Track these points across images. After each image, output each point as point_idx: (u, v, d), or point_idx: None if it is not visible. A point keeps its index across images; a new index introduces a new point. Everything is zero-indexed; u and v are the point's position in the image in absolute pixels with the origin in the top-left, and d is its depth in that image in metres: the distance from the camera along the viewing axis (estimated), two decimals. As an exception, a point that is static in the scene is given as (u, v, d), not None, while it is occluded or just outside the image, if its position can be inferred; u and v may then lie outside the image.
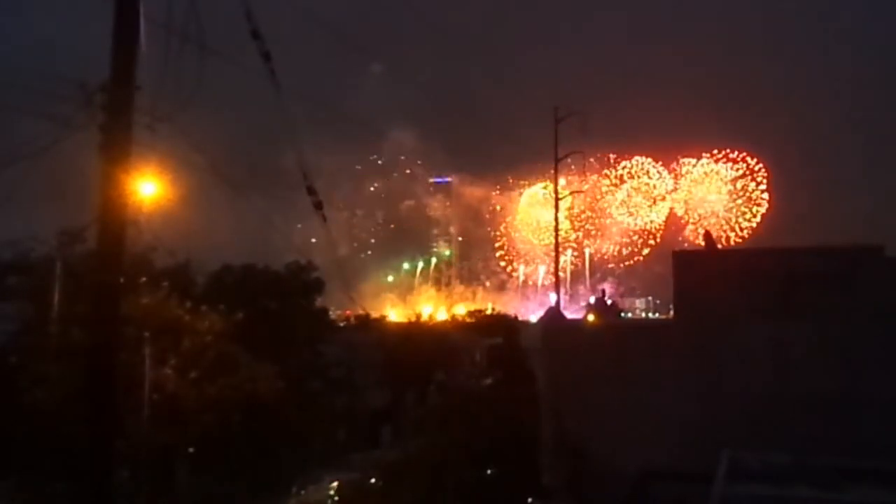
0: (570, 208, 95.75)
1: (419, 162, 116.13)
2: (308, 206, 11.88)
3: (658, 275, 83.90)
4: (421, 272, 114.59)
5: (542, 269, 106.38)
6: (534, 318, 67.32)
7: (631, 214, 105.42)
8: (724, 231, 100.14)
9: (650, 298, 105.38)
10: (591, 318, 56.80)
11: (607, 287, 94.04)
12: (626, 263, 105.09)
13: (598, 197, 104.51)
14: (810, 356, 15.21)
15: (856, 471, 10.62)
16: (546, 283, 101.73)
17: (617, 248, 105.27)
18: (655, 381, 16.05)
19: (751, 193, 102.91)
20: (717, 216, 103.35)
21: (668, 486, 14.64)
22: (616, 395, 16.32)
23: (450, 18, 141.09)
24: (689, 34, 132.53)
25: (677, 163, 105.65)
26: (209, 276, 23.92)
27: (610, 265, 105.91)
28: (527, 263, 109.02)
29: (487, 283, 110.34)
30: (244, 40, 10.15)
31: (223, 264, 26.01)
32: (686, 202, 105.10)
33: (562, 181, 55.11)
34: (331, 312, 35.36)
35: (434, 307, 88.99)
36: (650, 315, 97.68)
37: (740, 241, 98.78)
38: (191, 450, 16.89)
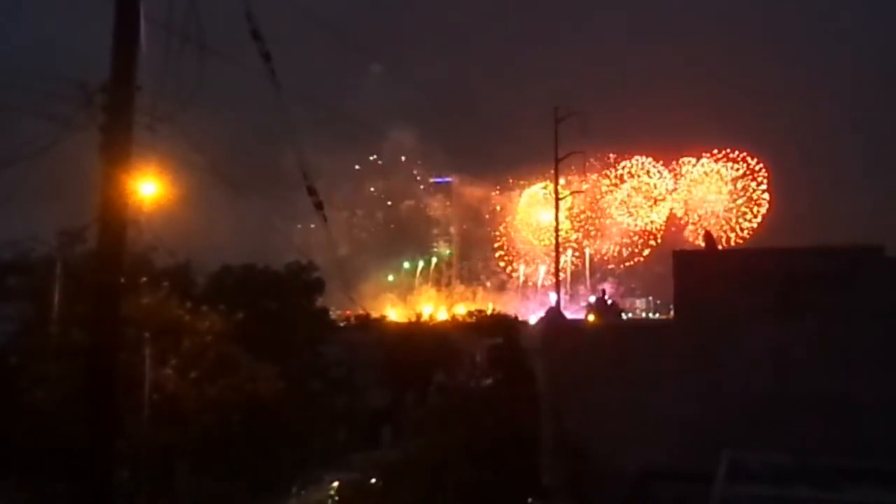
0: (570, 208, 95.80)
1: (419, 162, 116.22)
2: (308, 206, 11.90)
3: (658, 275, 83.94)
4: (421, 272, 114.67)
5: (542, 269, 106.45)
6: (534, 319, 67.33)
7: (631, 215, 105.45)
8: (725, 231, 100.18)
9: (650, 298, 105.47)
10: (591, 318, 56.86)
11: (607, 287, 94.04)
12: (627, 264, 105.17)
13: (598, 197, 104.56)
14: (810, 356, 15.20)
15: (856, 471, 10.61)
16: (546, 283, 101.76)
17: (617, 248, 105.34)
18: (655, 381, 16.04)
19: (751, 193, 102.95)
20: (718, 216, 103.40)
21: (668, 486, 14.63)
22: (616, 395, 16.31)
23: (450, 18, 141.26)
24: (689, 34, 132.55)
25: (677, 162, 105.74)
26: (209, 277, 23.94)
27: (610, 266, 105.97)
28: (527, 264, 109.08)
29: (488, 284, 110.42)
30: (244, 40, 10.16)
31: (223, 264, 26.04)
32: (686, 202, 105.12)
33: (562, 181, 55.04)
34: (331, 312, 35.38)
35: (434, 307, 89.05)
36: (650, 315, 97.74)
37: (741, 241, 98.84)
38: (191, 449, 16.89)
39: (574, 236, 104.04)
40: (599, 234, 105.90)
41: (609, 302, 65.55)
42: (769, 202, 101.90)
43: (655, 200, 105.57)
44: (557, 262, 55.25)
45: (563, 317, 37.79)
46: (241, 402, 16.72)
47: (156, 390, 14.68)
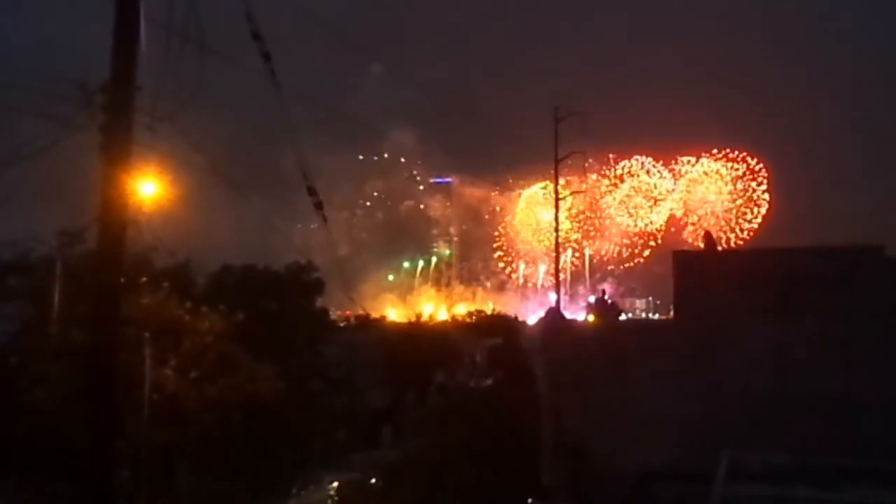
0: (570, 209, 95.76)
1: (419, 162, 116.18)
2: (308, 206, 11.91)
3: (658, 275, 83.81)
4: (421, 272, 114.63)
5: (541, 269, 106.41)
6: (533, 319, 67.36)
7: (630, 215, 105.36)
8: (724, 232, 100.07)
9: (650, 299, 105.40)
10: (591, 318, 56.89)
11: (607, 287, 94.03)
12: (627, 265, 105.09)
13: (598, 197, 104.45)
14: (810, 356, 15.22)
15: (856, 471, 10.62)
16: (546, 284, 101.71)
17: (616, 249, 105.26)
18: (655, 381, 16.06)
19: (751, 194, 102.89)
20: (717, 217, 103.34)
21: (668, 486, 14.65)
22: (616, 396, 16.33)
23: (450, 18, 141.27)
24: (689, 34, 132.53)
25: (676, 162, 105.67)
26: (209, 277, 23.90)
27: (610, 267, 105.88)
28: (527, 264, 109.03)
29: (487, 284, 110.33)
30: (244, 40, 10.17)
31: (223, 265, 25.98)
32: (685, 203, 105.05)
33: (561, 181, 55.04)
34: (331, 313, 35.36)
35: (434, 307, 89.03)
36: (650, 315, 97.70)
37: (741, 242, 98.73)
38: (191, 449, 16.88)
39: (574, 236, 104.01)
40: (599, 234, 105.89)
41: (609, 302, 65.68)
42: (769, 202, 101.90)
43: (655, 200, 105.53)
44: (557, 262, 55.26)
45: (562, 317, 37.82)
46: (241, 402, 16.70)
47: (156, 390, 14.66)
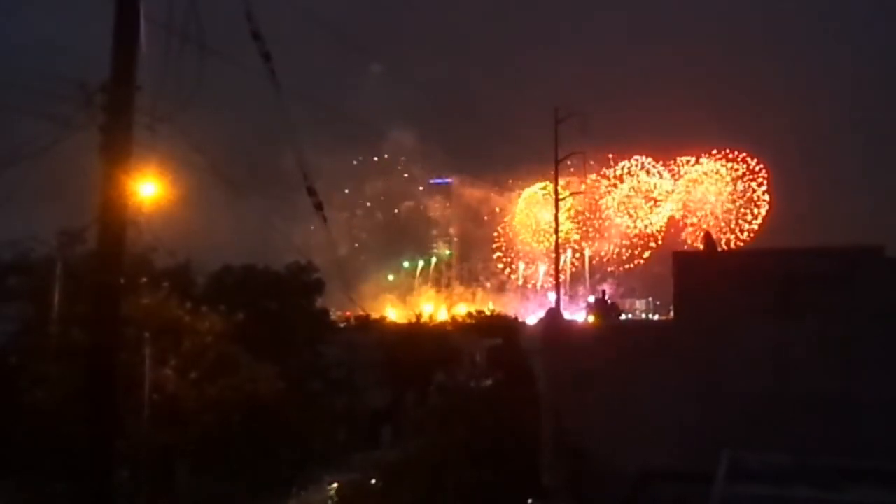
0: (570, 209, 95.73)
1: (419, 163, 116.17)
2: (308, 206, 11.91)
3: (658, 276, 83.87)
4: (421, 272, 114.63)
5: (541, 270, 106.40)
6: (533, 319, 67.37)
7: (630, 216, 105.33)
8: (724, 233, 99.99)
9: (650, 299, 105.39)
10: (591, 318, 56.89)
11: (607, 288, 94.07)
12: (627, 266, 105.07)
13: (597, 198, 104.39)
14: (810, 356, 15.22)
15: (856, 471, 10.62)
16: (546, 285, 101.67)
17: (616, 249, 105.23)
18: (655, 382, 16.06)
19: (751, 194, 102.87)
20: (717, 217, 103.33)
21: (668, 486, 14.64)
22: (616, 396, 16.33)
23: (450, 18, 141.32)
24: (689, 34, 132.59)
25: (675, 162, 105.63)
26: (209, 277, 23.91)
27: (609, 268, 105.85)
28: (526, 265, 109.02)
29: (487, 284, 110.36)
30: (244, 40, 10.17)
31: (223, 265, 26.00)
32: (685, 204, 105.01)
33: (561, 182, 55.03)
34: (331, 313, 35.37)
35: (434, 307, 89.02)
36: (650, 316, 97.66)
37: (741, 243, 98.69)
38: (191, 449, 16.89)
39: (574, 237, 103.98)
40: (598, 235, 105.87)
41: (609, 303, 65.72)
42: (769, 203, 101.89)
43: (655, 201, 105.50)
44: (557, 262, 55.24)
45: (562, 318, 37.83)
46: (241, 402, 16.71)
47: (156, 390, 14.67)
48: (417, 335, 41.51)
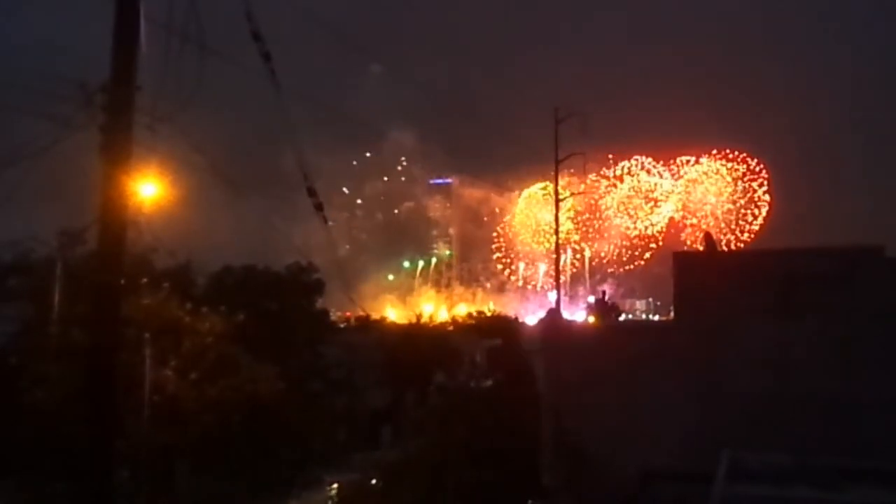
0: (570, 209, 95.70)
1: (419, 163, 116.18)
2: (308, 206, 11.92)
3: (658, 276, 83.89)
4: (421, 272, 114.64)
5: (541, 270, 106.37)
6: (533, 319, 67.38)
7: (630, 217, 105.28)
8: (725, 234, 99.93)
9: (650, 300, 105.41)
10: (591, 318, 56.94)
11: (607, 288, 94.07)
12: (627, 268, 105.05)
13: (596, 198, 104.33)
14: (810, 356, 15.21)
15: (856, 471, 10.61)
16: (546, 287, 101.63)
17: (616, 250, 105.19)
18: (656, 382, 16.05)
19: (752, 195, 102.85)
20: (717, 218, 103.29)
21: (668, 486, 14.63)
22: (616, 396, 16.32)
23: (450, 18, 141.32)
24: (689, 34, 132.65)
25: (674, 161, 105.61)
26: (210, 277, 23.91)
27: (609, 270, 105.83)
28: (526, 265, 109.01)
29: (487, 285, 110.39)
30: (244, 40, 10.18)
31: (224, 265, 26.00)
32: (685, 205, 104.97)
33: (561, 182, 55.04)
34: (331, 314, 35.38)
35: (434, 308, 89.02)
36: (650, 316, 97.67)
37: (741, 245, 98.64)
38: (191, 449, 16.89)
39: (574, 237, 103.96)
40: (598, 235, 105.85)
41: (609, 303, 65.78)
42: (769, 203, 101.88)
43: (656, 201, 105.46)
44: (557, 263, 55.26)
45: (562, 318, 37.84)
46: (241, 402, 16.70)
47: (156, 391, 14.66)
48: (417, 335, 41.52)
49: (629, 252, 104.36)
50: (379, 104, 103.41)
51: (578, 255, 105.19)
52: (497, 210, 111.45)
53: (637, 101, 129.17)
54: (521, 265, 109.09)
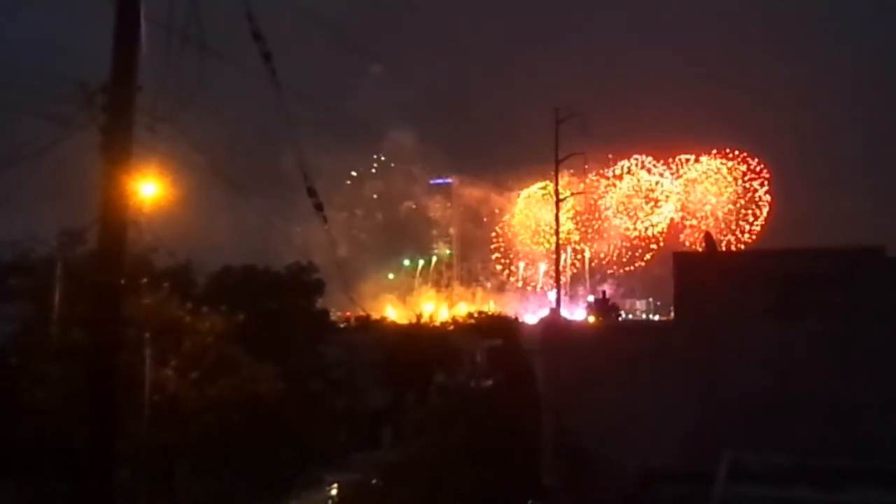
0: (570, 209, 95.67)
1: (419, 163, 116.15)
2: (308, 206, 11.91)
3: (658, 277, 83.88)
4: (420, 272, 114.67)
5: (541, 270, 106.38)
6: (533, 319, 67.41)
7: (630, 217, 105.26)
8: (725, 235, 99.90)
9: (651, 300, 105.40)
10: (591, 318, 56.95)
11: (607, 288, 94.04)
12: (627, 269, 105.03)
13: (596, 198, 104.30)
14: (810, 356, 15.22)
15: (856, 471, 10.62)
16: (546, 287, 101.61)
17: (616, 251, 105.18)
18: (656, 382, 16.06)
19: (753, 195, 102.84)
20: (718, 219, 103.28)
21: (668, 487, 14.63)
22: (616, 396, 16.33)
23: (450, 18, 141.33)
24: (689, 34, 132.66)
25: (674, 161, 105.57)
26: (210, 277, 23.91)
27: (609, 271, 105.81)
28: (526, 265, 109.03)
29: (488, 284, 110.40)
30: (245, 41, 10.17)
31: (224, 265, 26.00)
32: (684, 205, 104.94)
33: (561, 182, 55.04)
34: (331, 314, 35.39)
35: (435, 307, 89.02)
36: (651, 316, 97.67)
37: (743, 245, 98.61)
38: (191, 449, 16.88)
39: (575, 237, 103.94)
40: (598, 236, 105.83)
41: (609, 303, 65.81)
42: (769, 203, 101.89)
43: (656, 201, 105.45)
44: (558, 263, 55.21)
45: (563, 319, 37.88)
46: (241, 402, 16.70)
47: (156, 390, 14.66)
48: (417, 335, 41.50)
49: (629, 253, 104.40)
50: (379, 104, 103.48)
51: (579, 256, 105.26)
52: (497, 210, 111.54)
53: (637, 100, 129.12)
54: (521, 265, 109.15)
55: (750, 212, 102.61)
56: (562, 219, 56.78)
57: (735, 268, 17.22)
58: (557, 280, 55.27)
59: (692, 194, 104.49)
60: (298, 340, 24.90)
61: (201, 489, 17.12)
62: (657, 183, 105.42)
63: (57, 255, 15.21)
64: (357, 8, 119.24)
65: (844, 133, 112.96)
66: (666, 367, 16.09)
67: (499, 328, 45.89)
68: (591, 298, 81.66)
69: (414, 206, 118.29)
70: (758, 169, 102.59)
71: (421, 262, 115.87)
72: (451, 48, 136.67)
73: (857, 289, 15.28)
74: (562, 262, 64.44)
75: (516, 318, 63.71)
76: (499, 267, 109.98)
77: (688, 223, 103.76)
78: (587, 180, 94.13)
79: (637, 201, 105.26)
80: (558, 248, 54.22)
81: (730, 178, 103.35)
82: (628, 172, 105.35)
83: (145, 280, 16.12)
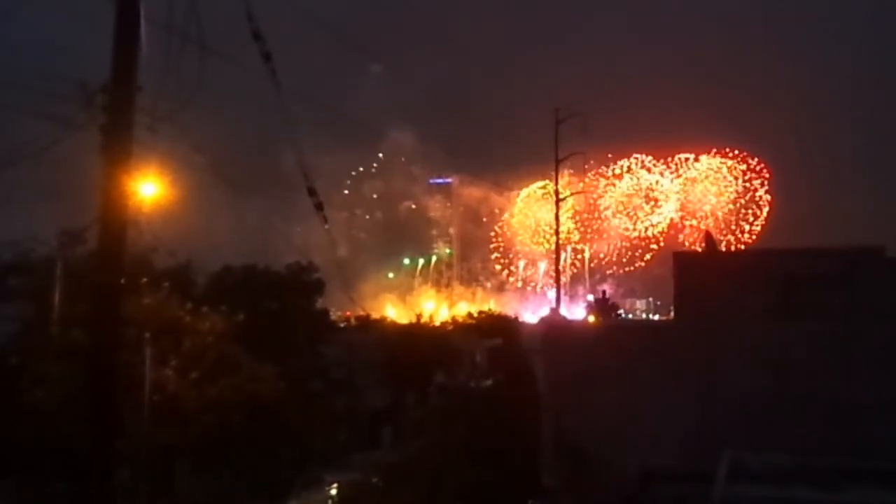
0: (570, 209, 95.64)
1: (419, 163, 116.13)
2: (308, 206, 11.91)
3: (659, 277, 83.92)
4: (420, 271, 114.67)
5: (541, 269, 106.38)
6: (533, 319, 67.38)
7: (630, 217, 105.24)
8: (725, 235, 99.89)
9: (651, 300, 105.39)
10: (591, 318, 56.90)
11: (607, 288, 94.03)
12: (627, 268, 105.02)
13: (595, 198, 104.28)
14: (810, 356, 15.22)
15: (856, 471, 10.62)
16: (546, 287, 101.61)
17: (616, 251, 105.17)
18: (656, 382, 16.06)
19: (753, 194, 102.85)
20: (718, 218, 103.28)
21: (668, 486, 14.64)
22: (616, 396, 16.33)
23: (450, 18, 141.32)
24: (689, 34, 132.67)
25: (674, 161, 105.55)
26: (210, 277, 23.89)
27: (609, 271, 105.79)
28: (526, 265, 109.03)
29: (487, 284, 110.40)
30: (245, 41, 10.17)
31: (224, 265, 25.98)
32: (683, 205, 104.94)
33: (561, 182, 55.02)
34: (331, 313, 35.36)
35: (435, 306, 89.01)
36: (651, 316, 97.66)
37: (743, 245, 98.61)
38: (191, 449, 16.88)
39: (575, 237, 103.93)
40: (598, 235, 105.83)
41: (609, 303, 65.80)
42: (770, 204, 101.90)
43: (656, 201, 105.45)
44: (558, 262, 55.20)
45: (563, 318, 37.88)
46: (241, 402, 16.70)
47: (156, 390, 14.66)
48: (418, 335, 41.49)
49: (629, 253, 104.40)
50: (379, 104, 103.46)
51: (579, 256, 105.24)
52: (497, 210, 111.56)
53: (637, 100, 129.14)
54: (521, 264, 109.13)
55: (750, 211, 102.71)
56: (562, 218, 56.81)
57: (735, 268, 17.22)
58: (557, 280, 55.29)
59: (692, 194, 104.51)
60: (298, 340, 24.88)
61: (201, 489, 17.11)
62: (657, 182, 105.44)
63: (57, 255, 15.21)
64: (357, 8, 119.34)
65: (844, 133, 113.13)
66: (666, 366, 16.09)
67: (499, 328, 45.92)
68: (590, 298, 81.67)
69: (414, 206, 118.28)
70: (758, 168, 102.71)
71: (421, 262, 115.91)
72: (451, 48, 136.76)
73: (857, 289, 15.29)
74: (561, 262, 64.53)
75: (516, 318, 63.69)
76: (498, 267, 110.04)
77: (688, 223, 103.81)
78: (586, 179, 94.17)
79: (637, 201, 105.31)
80: (558, 248, 54.23)
81: (730, 178, 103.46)
82: (628, 172, 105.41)
83: (145, 280, 16.12)
